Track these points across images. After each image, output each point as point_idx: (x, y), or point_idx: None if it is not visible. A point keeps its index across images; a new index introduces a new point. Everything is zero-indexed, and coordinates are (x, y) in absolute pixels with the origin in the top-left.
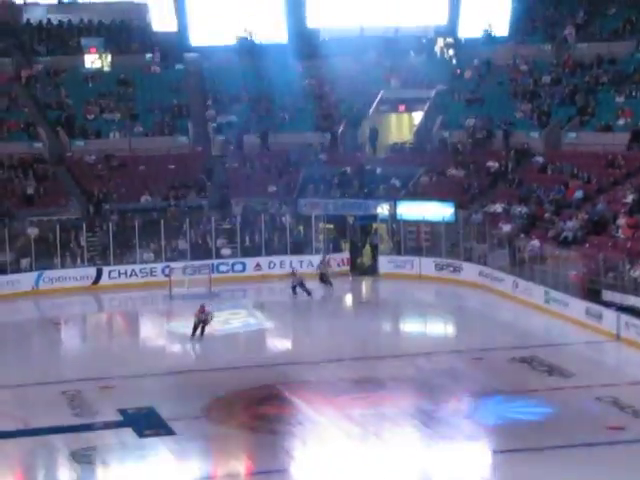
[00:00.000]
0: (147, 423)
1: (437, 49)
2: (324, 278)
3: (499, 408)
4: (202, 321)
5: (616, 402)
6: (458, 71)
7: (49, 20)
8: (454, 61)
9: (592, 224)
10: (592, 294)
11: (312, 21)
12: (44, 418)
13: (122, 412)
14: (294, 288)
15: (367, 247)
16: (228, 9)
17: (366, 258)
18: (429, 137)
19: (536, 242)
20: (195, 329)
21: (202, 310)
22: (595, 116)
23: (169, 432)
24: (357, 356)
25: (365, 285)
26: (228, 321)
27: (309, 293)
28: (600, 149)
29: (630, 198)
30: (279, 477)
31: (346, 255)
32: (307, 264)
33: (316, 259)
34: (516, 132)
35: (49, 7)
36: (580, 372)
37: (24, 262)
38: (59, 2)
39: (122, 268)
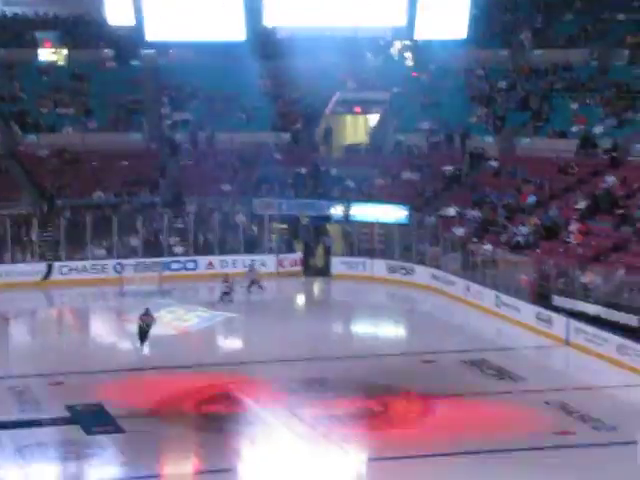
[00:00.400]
0: (96, 420)
1: (394, 51)
2: (254, 283)
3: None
4: (147, 325)
5: (564, 407)
6: (414, 74)
7: (4, 12)
8: (411, 64)
9: (544, 229)
10: (542, 299)
11: (269, 19)
12: None
13: (70, 409)
14: (224, 294)
15: (320, 248)
16: (186, 5)
17: (319, 259)
18: (385, 139)
19: (489, 246)
20: (141, 335)
21: (146, 314)
22: (549, 122)
23: (118, 430)
24: (308, 357)
25: (317, 286)
26: (180, 319)
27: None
28: (553, 155)
29: (582, 204)
30: (227, 476)
31: (299, 255)
32: (259, 264)
33: (269, 259)
34: (471, 136)
35: (4, 0)
36: (530, 376)
37: None
38: None
39: (73, 264)
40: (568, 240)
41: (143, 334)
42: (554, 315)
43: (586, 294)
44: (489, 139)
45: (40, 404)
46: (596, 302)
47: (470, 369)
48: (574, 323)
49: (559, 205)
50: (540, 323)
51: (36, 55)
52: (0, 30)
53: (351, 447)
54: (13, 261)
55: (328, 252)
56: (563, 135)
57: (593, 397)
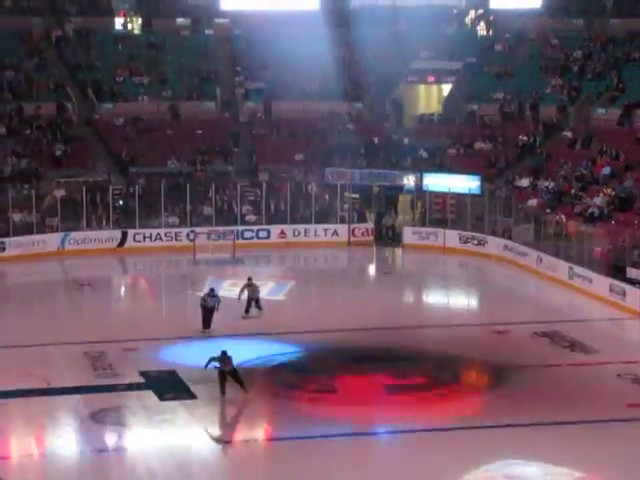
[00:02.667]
0: (169, 386)
1: (468, 21)
2: (253, 303)
3: None
4: (212, 306)
5: (637, 379)
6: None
7: None
8: (485, 33)
9: (619, 201)
10: (616, 271)
11: None
12: (67, 378)
13: (144, 374)
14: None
15: (390, 218)
16: None
17: (390, 229)
18: (458, 109)
19: (562, 217)
20: (205, 316)
21: (211, 294)
22: (625, 93)
23: (190, 396)
24: (380, 326)
25: (389, 255)
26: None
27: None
28: (629, 126)
29: None
30: (298, 444)
31: (370, 225)
32: (332, 233)
33: (342, 228)
34: (545, 106)
35: None
36: (602, 349)
37: (51, 221)
38: None
39: (147, 232)
40: None
41: (208, 315)
42: (628, 287)
43: None
44: (564, 109)
45: (114, 370)
46: None
47: (542, 340)
48: None
49: (634, 176)
50: (613, 295)
51: (112, 24)
52: None
53: (419, 417)
54: (88, 228)
55: (392, 231)
56: (639, 106)
57: None
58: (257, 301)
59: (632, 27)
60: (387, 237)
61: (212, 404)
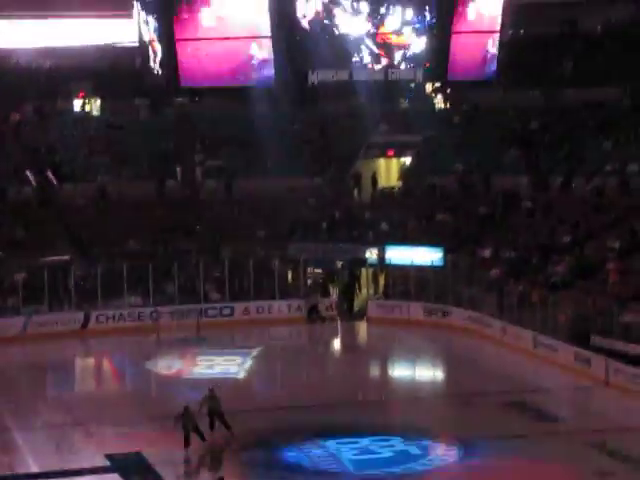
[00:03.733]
0: (134, 469)
1: (425, 94)
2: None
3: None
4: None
5: (605, 448)
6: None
7: (39, 64)
8: (442, 106)
9: (580, 269)
10: (581, 339)
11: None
12: (31, 463)
13: (109, 457)
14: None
15: (355, 292)
16: (218, 52)
17: (354, 303)
18: (418, 182)
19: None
20: (212, 421)
21: (212, 395)
22: (583, 161)
23: (156, 478)
24: (345, 400)
25: (353, 330)
26: (219, 365)
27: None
28: (588, 194)
29: (618, 243)
30: None
31: (334, 300)
32: (295, 309)
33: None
34: (504, 177)
35: (39, 51)
36: (569, 417)
37: (11, 301)
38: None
39: (110, 312)
40: (605, 279)
41: (213, 420)
42: (593, 355)
43: (625, 334)
44: (522, 180)
45: (79, 453)
46: (636, 342)
47: (509, 410)
48: (613, 363)
49: (595, 244)
50: (579, 363)
51: (71, 106)
52: (35, 82)
53: None
54: (50, 311)
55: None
56: (597, 174)
57: (634, 438)
58: (221, 416)
59: (588, 97)
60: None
61: None
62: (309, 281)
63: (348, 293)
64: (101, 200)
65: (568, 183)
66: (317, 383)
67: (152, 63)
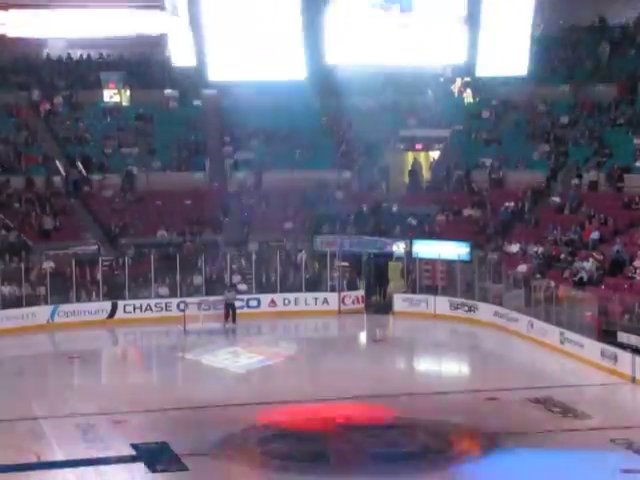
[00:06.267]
0: (160, 458)
1: (454, 88)
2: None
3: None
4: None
5: (631, 445)
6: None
7: (69, 55)
8: (471, 101)
9: (608, 265)
10: (608, 336)
11: (330, 58)
12: (57, 451)
13: (135, 447)
14: None
15: (381, 286)
16: (247, 44)
17: (380, 296)
18: (446, 176)
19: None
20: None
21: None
22: (612, 157)
23: (182, 468)
24: (370, 394)
25: (379, 323)
26: (246, 357)
27: None
28: (616, 190)
29: None
30: None
31: (361, 293)
32: (322, 301)
33: (332, 296)
34: (533, 172)
35: (69, 42)
36: (595, 414)
37: (40, 291)
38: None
39: (137, 302)
40: (633, 276)
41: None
42: (619, 352)
43: None
44: (551, 175)
45: (105, 442)
46: None
47: (534, 407)
48: None
49: (623, 241)
50: (605, 360)
51: (101, 96)
52: (65, 72)
53: None
54: (78, 300)
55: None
56: (627, 170)
57: None
58: (234, 310)
59: (618, 92)
60: (377, 305)
61: (204, 476)
62: (336, 274)
63: (374, 287)
64: (129, 191)
65: (597, 179)
66: (341, 376)
67: (181, 55)
